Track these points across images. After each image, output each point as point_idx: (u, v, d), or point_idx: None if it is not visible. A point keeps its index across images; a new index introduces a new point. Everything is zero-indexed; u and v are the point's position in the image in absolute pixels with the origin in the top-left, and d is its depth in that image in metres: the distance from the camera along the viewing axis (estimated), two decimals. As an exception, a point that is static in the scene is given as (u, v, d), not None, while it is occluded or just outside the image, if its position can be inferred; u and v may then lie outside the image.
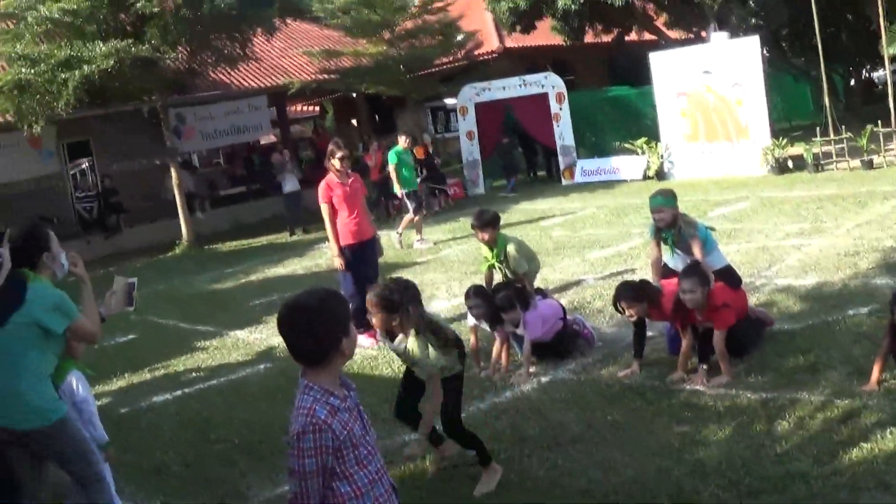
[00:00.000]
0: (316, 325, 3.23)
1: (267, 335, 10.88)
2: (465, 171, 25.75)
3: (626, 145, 23.43)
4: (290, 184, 22.29)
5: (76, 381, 5.55)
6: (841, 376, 6.67)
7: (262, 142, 32.43)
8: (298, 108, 39.88)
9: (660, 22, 32.34)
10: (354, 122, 34.78)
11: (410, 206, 16.99)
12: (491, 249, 9.04)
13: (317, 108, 41.19)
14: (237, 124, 26.94)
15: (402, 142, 17.48)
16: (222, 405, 8.52)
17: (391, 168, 17.30)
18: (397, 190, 17.47)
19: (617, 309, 7.75)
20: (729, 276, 8.09)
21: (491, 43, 31.83)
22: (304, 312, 3.25)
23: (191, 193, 24.44)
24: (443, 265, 14.21)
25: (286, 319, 3.27)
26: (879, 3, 20.56)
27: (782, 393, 6.57)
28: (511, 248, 8.95)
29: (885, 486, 4.93)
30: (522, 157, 26.87)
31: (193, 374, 9.96)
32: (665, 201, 8.06)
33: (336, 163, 9.98)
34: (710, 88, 21.31)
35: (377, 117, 34.80)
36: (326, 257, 15.44)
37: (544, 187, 23.86)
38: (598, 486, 5.52)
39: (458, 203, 22.92)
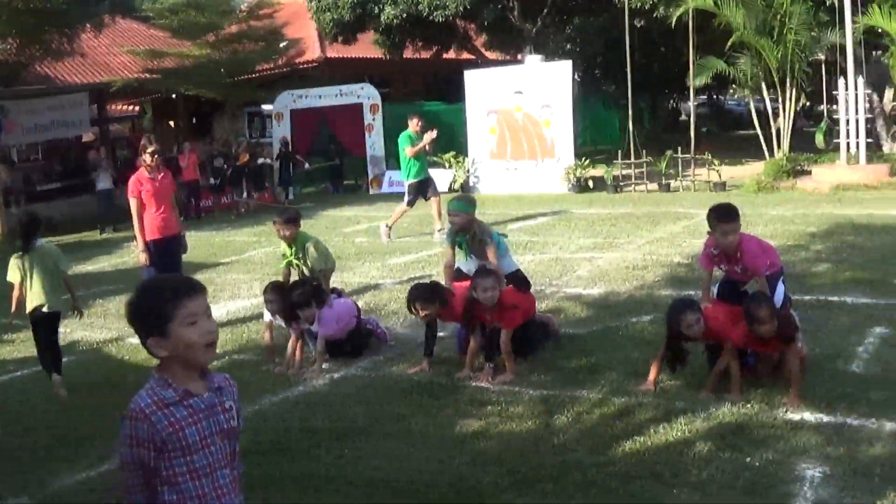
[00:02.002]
0: (133, 319, 3.41)
1: (71, 330, 11.43)
2: (270, 177, 27.74)
3: (435, 158, 25.40)
4: (104, 181, 24.29)
5: None
6: (619, 376, 8.02)
7: (84, 139, 33.00)
8: (119, 106, 40.74)
9: (479, 42, 35.40)
10: (172, 123, 36.47)
11: (407, 197, 17.84)
12: (290, 247, 10.19)
13: (136, 108, 42.19)
14: (58, 120, 27.51)
15: (413, 125, 17.91)
16: (25, 397, 9.23)
17: (410, 151, 17.56)
18: (406, 178, 18.00)
19: (411, 310, 8.89)
20: (519, 280, 9.46)
21: (313, 52, 34.32)
22: (128, 307, 3.43)
23: (7, 188, 25.44)
24: (246, 266, 15.77)
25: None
26: (690, 39, 23.76)
27: (563, 391, 7.80)
28: (310, 246, 10.12)
29: (655, 475, 6.03)
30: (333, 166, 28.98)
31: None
32: (460, 206, 9.45)
33: (147, 157, 11.03)
34: (521, 108, 24.00)
35: (195, 120, 36.59)
36: (133, 255, 16.12)
37: (351, 196, 26.31)
38: (382, 475, 6.40)
39: (266, 207, 24.88)
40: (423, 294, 8.77)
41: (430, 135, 17.58)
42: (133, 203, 11.16)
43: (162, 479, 3.31)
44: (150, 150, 11.10)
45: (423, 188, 17.70)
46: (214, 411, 3.43)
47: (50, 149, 32.56)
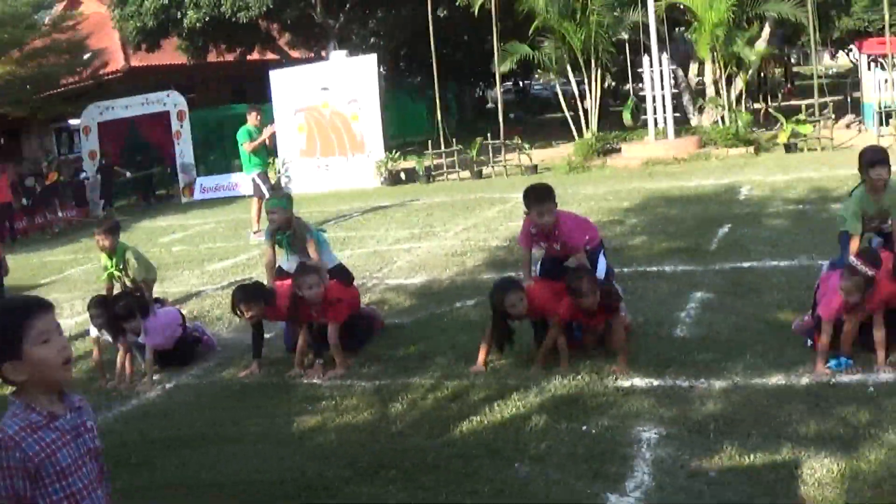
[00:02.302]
0: None
1: None
2: (88, 192, 27.30)
3: None
4: None
5: None
6: (449, 361, 8.17)
7: None
8: None
9: (282, 42, 35.38)
10: None
11: (262, 188, 17.46)
12: (110, 258, 10.18)
13: None
14: None
15: (252, 119, 17.76)
16: None
17: (248, 146, 17.40)
18: (249, 171, 17.78)
19: (236, 312, 8.87)
20: (341, 274, 9.59)
21: (117, 62, 33.69)
22: None
23: None
24: (66, 285, 15.41)
25: None
26: (494, 25, 24.24)
27: (395, 379, 7.90)
28: (130, 256, 10.18)
29: (495, 452, 6.17)
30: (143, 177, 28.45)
31: None
32: (280, 203, 9.57)
33: None
34: (328, 104, 24.17)
35: (2, 140, 35.65)
36: None
37: (164, 205, 26.14)
38: (226, 479, 6.38)
39: (82, 224, 24.60)
40: (247, 295, 8.76)
41: (270, 128, 17.75)
42: None
43: None
44: None
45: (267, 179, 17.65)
46: (79, 432, 3.36)
47: None
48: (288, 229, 9.56)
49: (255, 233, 17.04)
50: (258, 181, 17.41)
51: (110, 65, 33.64)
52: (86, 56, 30.11)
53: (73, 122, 32.15)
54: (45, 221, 25.94)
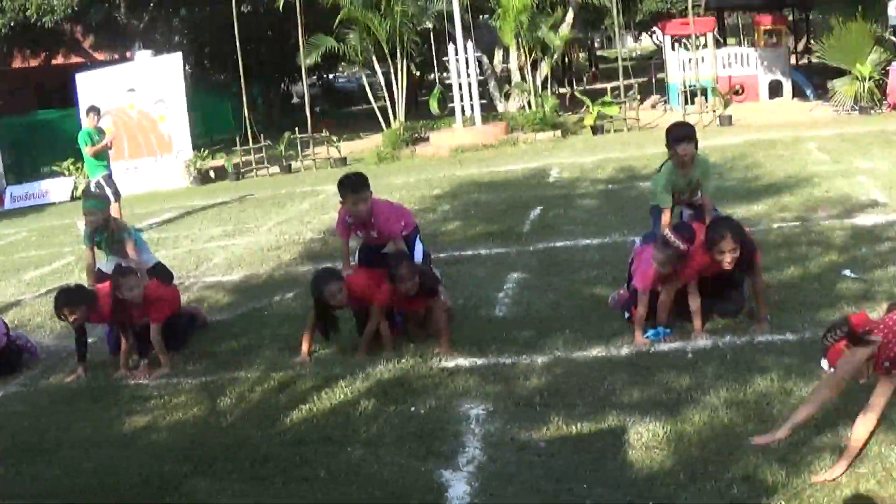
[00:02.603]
0: None
1: None
2: None
3: (55, 167, 25.55)
4: None
5: None
6: (273, 353, 8.21)
7: None
8: None
9: (87, 44, 34.53)
10: None
11: (109, 190, 16.73)
12: None
13: None
14: None
15: (91, 121, 17.26)
16: None
17: (90, 150, 16.87)
18: (93, 174, 17.09)
19: (59, 316, 8.66)
20: (161, 273, 9.57)
21: None
22: None
23: None
24: None
25: None
26: (299, 18, 24.18)
27: (221, 375, 7.88)
28: None
29: (326, 438, 6.24)
30: None
31: None
32: (96, 204, 9.56)
33: None
34: (134, 106, 23.84)
35: None
36: None
37: None
38: (62, 486, 6.22)
39: None
40: (70, 298, 8.58)
41: (112, 135, 17.69)
42: None
43: None
44: None
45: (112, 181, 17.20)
46: None
47: None
48: (106, 230, 9.47)
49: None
50: (103, 184, 16.93)
51: None
52: None
53: None
54: None
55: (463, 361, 7.40)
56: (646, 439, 5.61)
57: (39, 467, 6.71)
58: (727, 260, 7.12)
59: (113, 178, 17.27)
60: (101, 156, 17.07)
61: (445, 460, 5.72)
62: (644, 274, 7.46)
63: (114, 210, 16.59)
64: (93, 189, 16.66)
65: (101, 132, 17.25)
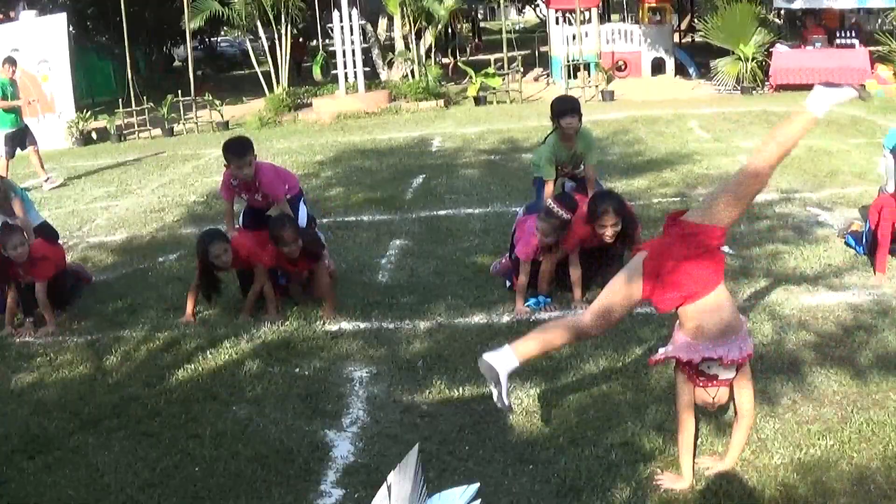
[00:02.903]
0: None
1: None
2: None
3: None
4: None
5: None
6: (158, 313, 8.24)
7: None
8: None
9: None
10: None
11: (5, 148, 16.36)
12: None
13: None
14: None
15: (6, 72, 16.61)
16: None
17: (3, 104, 16.20)
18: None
19: None
20: (47, 231, 9.54)
21: None
22: None
23: None
24: None
25: None
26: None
27: (106, 333, 7.91)
28: None
29: (213, 396, 6.35)
30: None
31: None
32: None
33: None
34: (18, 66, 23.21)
35: None
36: None
37: None
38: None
39: None
40: None
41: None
42: None
43: None
44: None
45: (19, 137, 16.66)
46: None
47: None
48: None
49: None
50: (7, 140, 16.47)
51: None
52: None
53: None
54: None
55: (346, 325, 7.55)
56: (526, 405, 5.83)
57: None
58: (608, 234, 7.37)
59: (16, 136, 16.71)
60: (13, 110, 16.58)
61: (330, 420, 5.88)
62: (526, 243, 7.66)
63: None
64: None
65: (14, 84, 16.76)
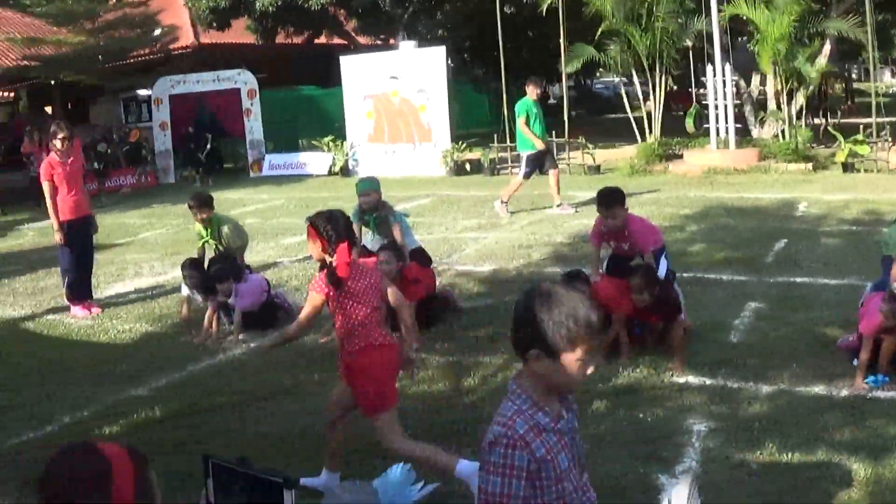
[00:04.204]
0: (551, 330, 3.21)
1: None
2: (158, 161, 28.63)
3: (314, 142, 27.04)
4: None
5: None
6: (518, 345, 9.00)
7: None
8: None
9: (349, 27, 36.21)
10: (48, 109, 36.01)
11: (525, 169, 17.16)
12: (206, 228, 10.96)
13: (11, 95, 41.73)
14: None
15: (532, 92, 17.27)
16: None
17: (520, 122, 16.92)
18: (522, 149, 17.14)
19: None
20: (421, 256, 10.34)
21: (186, 38, 34.69)
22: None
23: None
24: (142, 247, 16.54)
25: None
26: (561, 26, 24.76)
27: (467, 357, 8.60)
28: (225, 226, 10.95)
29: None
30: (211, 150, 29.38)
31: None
32: (372, 186, 10.37)
33: (57, 143, 11.60)
34: (397, 93, 24.94)
35: (70, 106, 36.35)
36: (28, 237, 18.51)
37: (233, 179, 27.15)
38: (310, 430, 7.06)
39: (149, 191, 26.15)
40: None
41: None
42: (46, 186, 11.74)
43: None
44: (60, 135, 11.64)
45: (540, 160, 17.29)
46: (574, 435, 3.40)
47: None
48: (377, 211, 10.32)
49: (558, 206, 16.80)
50: (524, 159, 17.11)
51: (179, 40, 34.33)
52: (156, 32, 30.88)
53: (141, 92, 32.96)
54: (115, 185, 27.15)
55: (693, 379, 7.83)
56: (848, 478, 5.94)
57: (290, 410, 7.69)
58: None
59: (538, 158, 17.03)
60: (534, 128, 16.94)
61: (665, 466, 6.20)
62: (869, 321, 7.62)
63: (511, 185, 17.07)
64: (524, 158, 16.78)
65: (538, 105, 17.16)
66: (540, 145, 16.90)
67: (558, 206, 16.73)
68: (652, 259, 8.74)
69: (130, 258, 15.43)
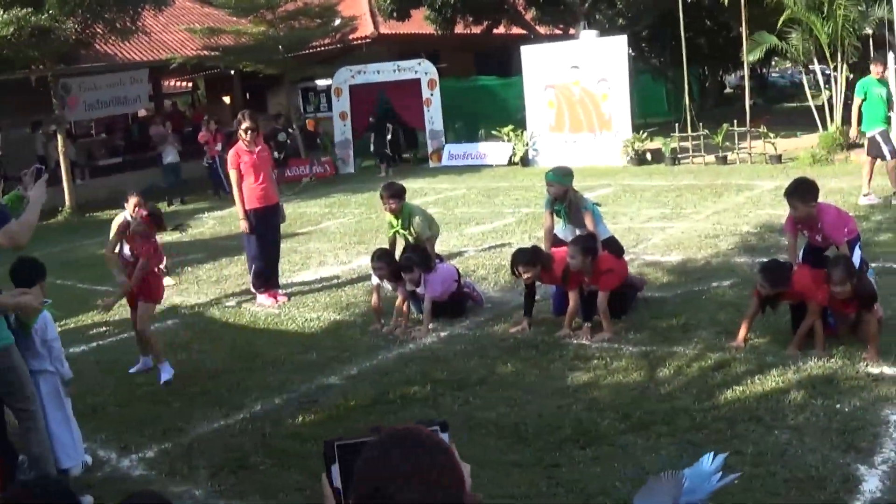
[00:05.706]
0: None
1: (168, 295, 11.98)
2: (337, 151, 29.24)
3: (494, 132, 27.07)
4: (171, 155, 25.76)
5: (46, 322, 6.87)
6: (710, 335, 8.68)
7: (140, 114, 34.64)
8: (172, 83, 42.62)
9: (528, 17, 36.18)
10: (227, 99, 37.78)
11: (886, 146, 15.92)
12: (396, 217, 11.05)
13: (189, 84, 43.72)
14: (118, 96, 29.08)
15: (875, 70, 16.19)
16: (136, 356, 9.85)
17: (857, 102, 16.13)
18: (869, 128, 15.96)
19: (514, 272, 9.62)
20: (613, 245, 10.18)
21: (365, 28, 34.93)
22: None
23: (72, 162, 26.58)
24: (325, 236, 16.87)
25: None
26: (743, 15, 24.23)
27: (660, 347, 8.51)
28: (416, 216, 11.00)
29: (756, 419, 6.71)
30: (391, 140, 29.73)
31: (104, 329, 11.57)
32: (555, 177, 10.22)
33: (242, 133, 11.88)
34: (578, 82, 24.72)
35: (248, 95, 37.58)
36: (209, 226, 19.14)
37: (413, 168, 27.65)
38: (506, 419, 7.13)
39: (328, 180, 26.78)
40: (526, 258, 9.48)
41: None
42: (233, 175, 12.05)
43: None
44: (243, 126, 11.93)
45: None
46: None
47: (111, 123, 33.81)
48: (564, 201, 10.20)
49: (865, 195, 15.86)
50: (879, 139, 16.02)
51: (359, 30, 34.38)
52: (336, 22, 31.21)
53: (319, 82, 33.58)
54: (295, 175, 27.84)
55: (888, 370, 7.59)
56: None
57: (484, 400, 7.72)
58: None
59: (889, 135, 16.08)
60: (881, 111, 16.04)
61: (863, 456, 6.05)
62: None
63: (865, 169, 15.92)
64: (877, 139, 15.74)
65: (883, 83, 16.16)
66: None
67: (865, 195, 15.77)
68: (846, 250, 8.53)
69: (314, 247, 15.80)
